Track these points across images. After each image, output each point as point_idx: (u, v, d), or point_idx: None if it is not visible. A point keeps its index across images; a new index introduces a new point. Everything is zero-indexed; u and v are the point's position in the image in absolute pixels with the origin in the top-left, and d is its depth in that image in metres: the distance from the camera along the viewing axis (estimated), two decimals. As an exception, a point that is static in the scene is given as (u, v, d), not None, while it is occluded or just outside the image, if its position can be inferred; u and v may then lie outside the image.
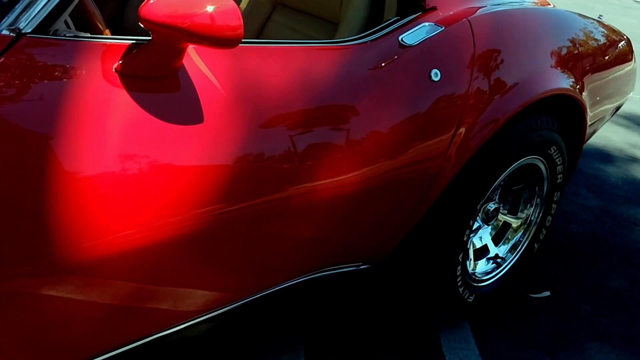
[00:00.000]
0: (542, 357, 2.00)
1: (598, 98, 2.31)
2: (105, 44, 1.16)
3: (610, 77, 2.36)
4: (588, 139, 2.62)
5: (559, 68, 1.99)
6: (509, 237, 2.20)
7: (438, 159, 1.69)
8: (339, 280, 1.80)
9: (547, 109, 2.01)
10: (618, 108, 2.67)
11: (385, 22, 1.65)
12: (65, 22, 1.35)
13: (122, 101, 1.15)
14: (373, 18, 1.75)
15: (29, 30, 1.08)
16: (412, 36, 1.62)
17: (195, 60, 1.26)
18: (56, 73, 1.09)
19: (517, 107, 1.79)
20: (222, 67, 1.31)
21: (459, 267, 1.93)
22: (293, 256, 1.58)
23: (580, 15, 2.35)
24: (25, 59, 1.08)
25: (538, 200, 2.18)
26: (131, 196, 1.16)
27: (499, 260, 2.16)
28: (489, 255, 2.15)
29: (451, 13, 1.72)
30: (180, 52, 1.17)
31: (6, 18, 1.08)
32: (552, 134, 2.00)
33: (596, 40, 2.31)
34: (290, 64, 1.42)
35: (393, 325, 2.04)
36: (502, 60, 1.78)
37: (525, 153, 1.94)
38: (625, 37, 2.54)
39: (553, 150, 2.04)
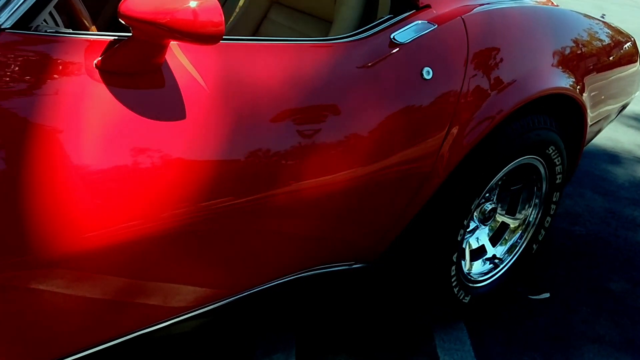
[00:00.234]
0: None
1: (602, 97, 2.28)
2: (86, 40, 1.16)
3: (614, 78, 2.34)
4: (593, 137, 2.59)
5: (557, 67, 1.96)
6: (507, 237, 2.18)
7: (431, 158, 1.68)
8: (332, 279, 1.79)
9: (545, 109, 1.99)
10: (624, 107, 2.64)
11: (378, 20, 1.65)
12: (54, 19, 1.36)
13: (102, 97, 1.14)
14: (367, 16, 1.75)
15: (8, 26, 1.08)
16: (404, 34, 1.61)
17: (179, 57, 1.26)
18: (36, 69, 1.09)
19: (512, 106, 1.77)
20: (209, 64, 1.30)
21: (453, 267, 1.91)
22: (283, 254, 1.58)
23: (585, 15, 2.32)
24: (4, 54, 1.08)
25: (537, 200, 2.16)
26: (116, 192, 1.17)
27: (496, 261, 2.14)
28: (486, 256, 2.14)
29: (445, 11, 1.71)
30: (162, 48, 1.16)
31: (-15, 13, 1.08)
32: (550, 134, 1.98)
33: (600, 40, 2.28)
34: (279, 61, 1.42)
35: (387, 324, 2.03)
36: (497, 59, 1.76)
37: (522, 153, 1.92)
38: (632, 38, 2.51)
39: (551, 150, 2.02)
